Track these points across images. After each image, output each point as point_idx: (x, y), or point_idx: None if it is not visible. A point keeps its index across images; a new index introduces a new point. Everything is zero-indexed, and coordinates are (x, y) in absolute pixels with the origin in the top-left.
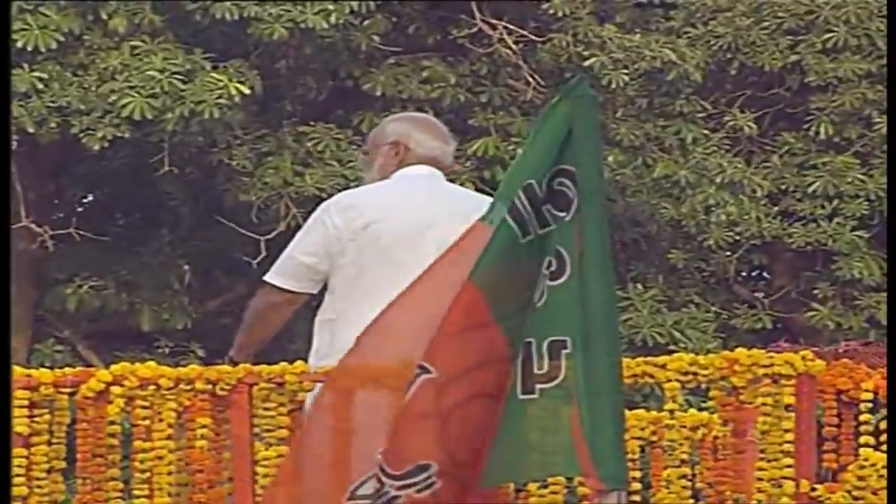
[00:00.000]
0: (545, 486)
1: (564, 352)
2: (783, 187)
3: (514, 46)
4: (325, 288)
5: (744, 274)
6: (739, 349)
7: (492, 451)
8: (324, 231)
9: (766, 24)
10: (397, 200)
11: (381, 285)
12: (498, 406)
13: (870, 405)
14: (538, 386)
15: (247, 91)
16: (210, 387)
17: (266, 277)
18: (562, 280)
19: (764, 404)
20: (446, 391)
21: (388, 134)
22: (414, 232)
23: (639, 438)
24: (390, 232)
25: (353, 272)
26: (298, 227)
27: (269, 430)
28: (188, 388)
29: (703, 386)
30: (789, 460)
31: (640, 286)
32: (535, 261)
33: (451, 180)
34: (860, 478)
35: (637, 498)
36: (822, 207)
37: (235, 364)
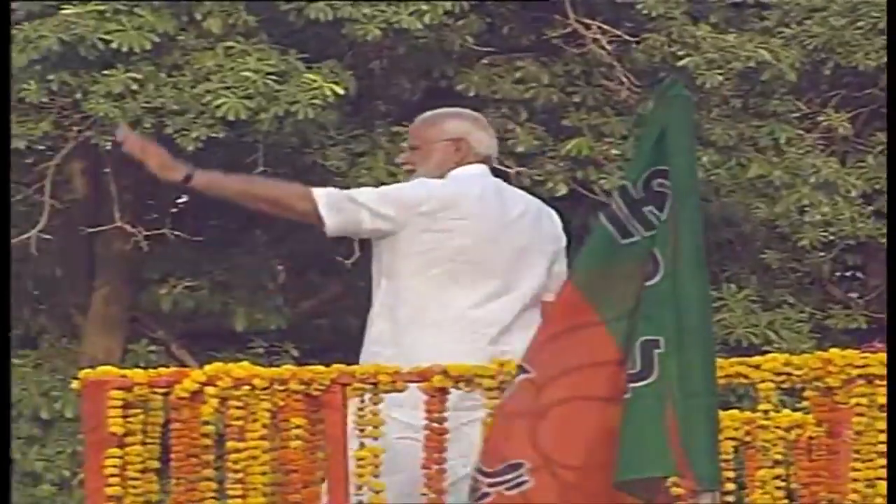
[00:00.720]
0: None
1: (657, 351)
2: (878, 187)
3: (608, 46)
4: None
5: (838, 274)
6: (834, 349)
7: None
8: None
9: (860, 23)
10: (476, 200)
11: (460, 279)
12: (609, 408)
13: None
14: (630, 385)
15: (341, 91)
16: (304, 387)
17: (318, 197)
18: (655, 280)
19: (858, 405)
20: (544, 391)
21: (447, 131)
22: (493, 232)
23: (733, 439)
24: (471, 230)
25: (422, 262)
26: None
27: (362, 430)
28: (282, 388)
29: (798, 386)
30: (883, 461)
31: (734, 286)
32: (638, 262)
33: (547, 180)
34: None
35: (731, 498)
36: None
37: (187, 179)
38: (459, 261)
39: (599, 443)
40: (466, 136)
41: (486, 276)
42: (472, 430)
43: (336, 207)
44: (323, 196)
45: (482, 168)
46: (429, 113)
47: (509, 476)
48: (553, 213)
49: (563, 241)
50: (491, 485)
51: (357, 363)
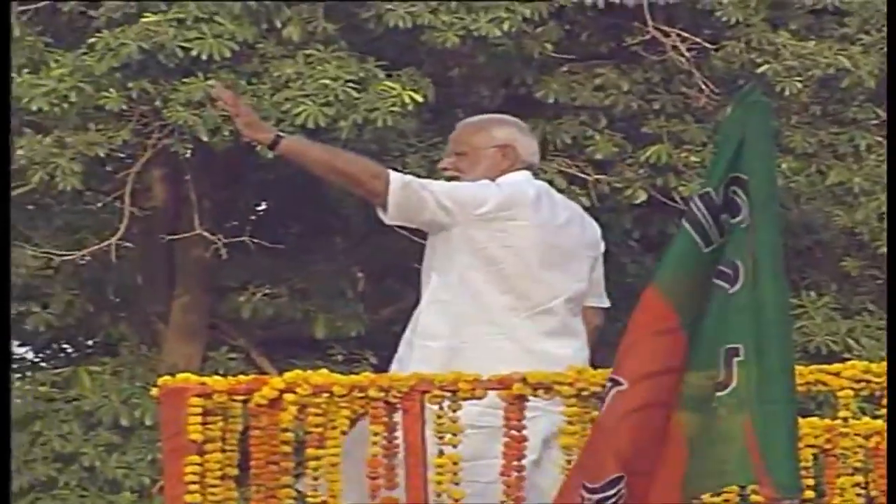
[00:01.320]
0: (718, 494)
1: (737, 359)
2: None
3: (687, 54)
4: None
5: None
6: None
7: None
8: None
9: None
10: (531, 204)
11: (512, 280)
12: (673, 414)
13: None
14: (716, 394)
15: (420, 99)
16: (383, 394)
17: (393, 179)
18: (737, 287)
19: None
20: (628, 397)
21: (496, 137)
22: (545, 236)
23: (812, 446)
24: (526, 234)
25: (476, 260)
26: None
27: (441, 437)
28: (361, 395)
29: (877, 394)
30: None
31: (813, 294)
32: (713, 268)
33: (626, 187)
34: None
35: None
36: None
37: (275, 144)
38: (512, 262)
39: (665, 449)
40: (514, 142)
41: (536, 280)
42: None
43: (409, 191)
44: (398, 178)
45: (527, 174)
46: (473, 119)
47: (612, 491)
48: (592, 220)
49: (602, 247)
50: (598, 501)
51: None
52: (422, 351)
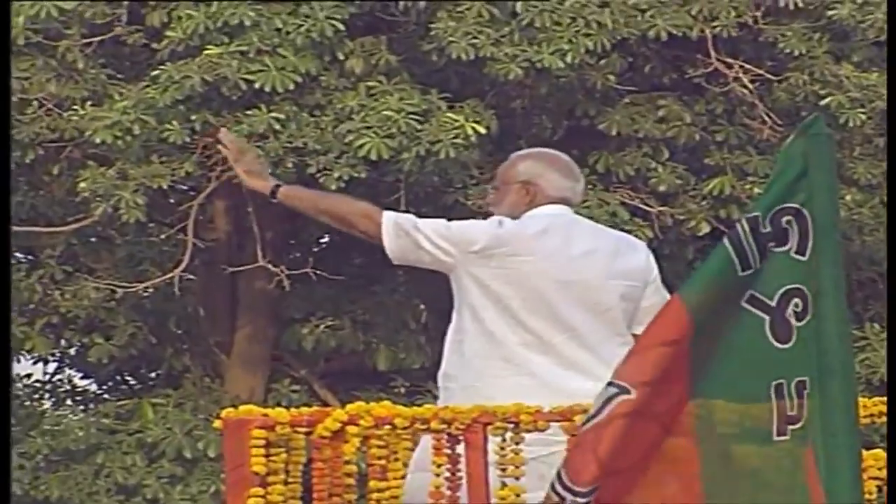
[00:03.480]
0: None
1: (806, 392)
2: None
3: (750, 85)
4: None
5: None
6: None
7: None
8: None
9: None
10: (532, 238)
11: (518, 315)
12: (659, 430)
13: None
14: (789, 427)
15: (482, 131)
16: (445, 426)
17: (385, 220)
18: (807, 320)
19: None
20: (629, 404)
21: (520, 173)
22: (551, 270)
23: (876, 479)
24: (527, 269)
25: (481, 298)
26: None
27: (504, 469)
28: (424, 427)
29: None
30: None
31: (877, 325)
32: (742, 292)
33: (689, 219)
34: None
35: None
36: None
37: (274, 193)
38: (518, 298)
39: (647, 463)
40: (537, 178)
41: (546, 314)
42: (541, 465)
43: (398, 232)
44: (389, 219)
45: (557, 208)
46: (514, 154)
47: (591, 498)
48: (640, 246)
49: (651, 274)
50: None
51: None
52: (444, 393)
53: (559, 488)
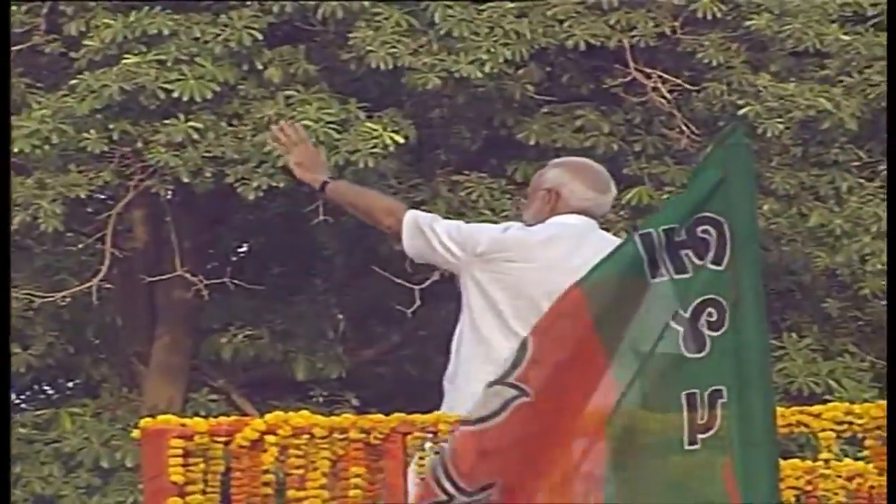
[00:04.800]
0: None
1: (720, 401)
2: None
3: (667, 95)
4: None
5: None
6: None
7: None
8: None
9: None
10: (535, 245)
11: (511, 321)
12: (568, 440)
13: None
14: (699, 436)
15: (401, 140)
16: (364, 436)
17: (406, 218)
18: (723, 330)
19: None
20: (541, 417)
21: (546, 180)
22: (548, 278)
23: (794, 488)
24: (524, 275)
25: (479, 301)
26: (453, 276)
27: (422, 479)
28: (342, 437)
29: (859, 435)
30: None
31: (794, 335)
32: (665, 305)
33: (607, 229)
34: None
35: None
36: None
37: (323, 188)
38: (510, 305)
39: (549, 467)
40: (560, 187)
41: (533, 324)
42: None
43: (414, 232)
44: (410, 218)
45: (575, 218)
46: (552, 160)
47: (482, 495)
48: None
49: None
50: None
51: (417, 411)
52: (446, 395)
53: (447, 485)
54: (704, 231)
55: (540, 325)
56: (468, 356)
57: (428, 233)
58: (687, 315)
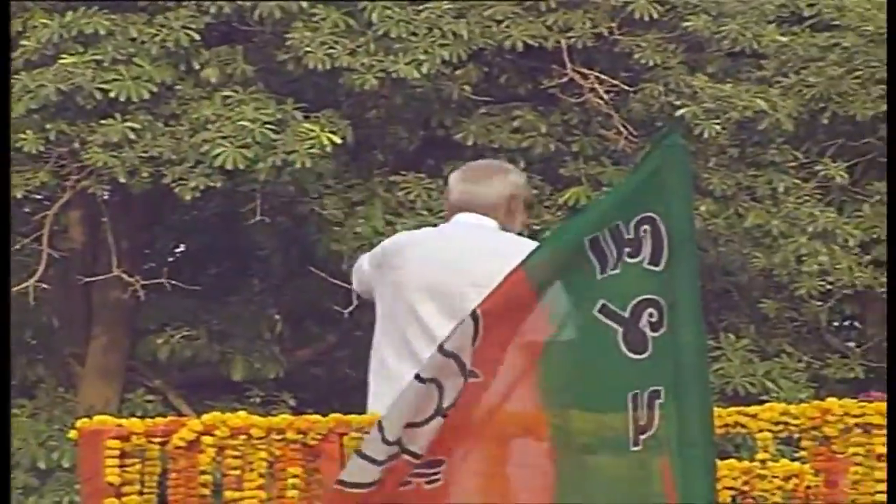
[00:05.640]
0: None
1: (658, 402)
2: (875, 236)
3: (605, 96)
4: None
5: (836, 324)
6: (831, 399)
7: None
8: (371, 258)
9: (857, 73)
10: (418, 249)
11: (391, 329)
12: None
13: None
14: (640, 437)
15: (338, 141)
16: (301, 436)
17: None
18: (662, 331)
19: (856, 454)
20: (486, 399)
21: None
22: (424, 278)
23: (731, 489)
24: (403, 278)
25: (382, 310)
26: None
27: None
28: (279, 437)
29: (795, 436)
30: None
31: (731, 336)
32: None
33: (545, 229)
34: None
35: None
36: None
37: None
38: (391, 306)
39: (492, 466)
40: (450, 188)
41: (414, 323)
42: None
43: (356, 269)
44: (356, 263)
45: (458, 215)
46: None
47: (430, 471)
48: (508, 252)
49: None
50: (415, 475)
51: (354, 412)
52: None
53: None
54: (641, 230)
55: (486, 306)
56: (373, 366)
57: (358, 265)
58: (626, 315)
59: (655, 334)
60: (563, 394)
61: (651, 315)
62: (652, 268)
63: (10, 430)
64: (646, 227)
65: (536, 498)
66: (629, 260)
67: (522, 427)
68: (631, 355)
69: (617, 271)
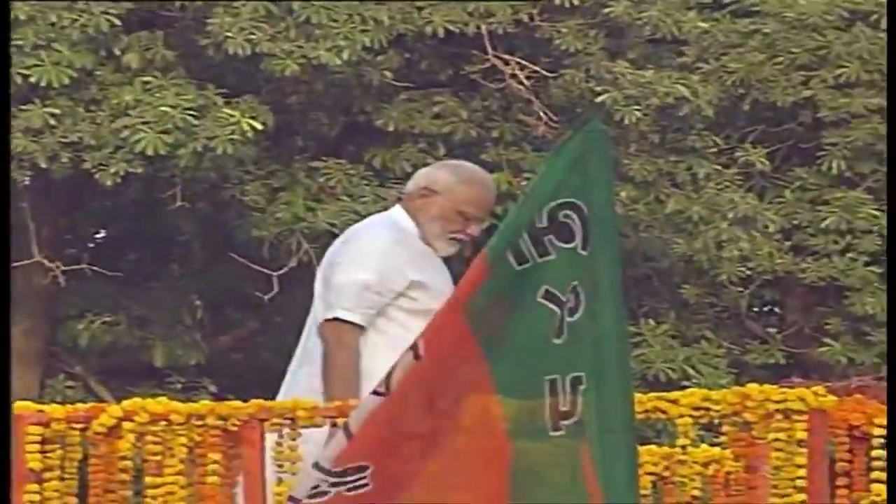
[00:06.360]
0: None
1: (581, 388)
2: (796, 222)
3: (526, 82)
4: None
5: (756, 309)
6: (751, 384)
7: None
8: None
9: (778, 59)
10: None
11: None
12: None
13: (882, 440)
14: (562, 423)
15: (259, 126)
16: (221, 422)
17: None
18: (578, 315)
19: (776, 440)
20: (410, 413)
21: None
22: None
23: (651, 474)
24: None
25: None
26: (311, 262)
27: (280, 465)
28: (199, 423)
29: (716, 421)
30: (802, 496)
31: (652, 321)
32: (528, 287)
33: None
34: None
35: None
36: (835, 243)
37: None
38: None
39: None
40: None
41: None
42: None
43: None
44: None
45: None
46: None
47: (352, 478)
48: (343, 238)
49: (326, 260)
50: (333, 484)
51: (275, 398)
52: None
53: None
54: (567, 216)
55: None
56: None
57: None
58: (564, 299)
59: (571, 319)
60: (505, 381)
61: (568, 300)
62: (583, 253)
63: (10, 429)
64: (568, 212)
65: (494, 487)
66: (562, 245)
67: (479, 416)
68: (553, 340)
69: (552, 257)
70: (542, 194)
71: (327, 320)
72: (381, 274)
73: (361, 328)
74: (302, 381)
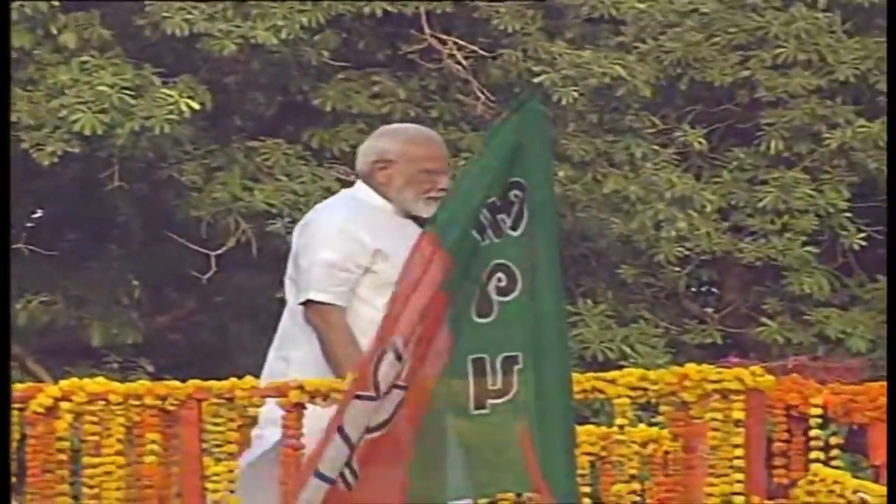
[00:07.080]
0: (494, 503)
1: (516, 367)
2: (733, 203)
3: (464, 62)
4: None
5: (693, 289)
6: (689, 364)
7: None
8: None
9: (716, 39)
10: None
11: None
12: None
13: (819, 420)
14: (490, 401)
15: (196, 106)
16: (159, 402)
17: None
18: (513, 296)
19: (713, 420)
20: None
21: None
22: None
23: (589, 454)
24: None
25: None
26: (248, 242)
27: (218, 446)
28: (137, 403)
29: (653, 401)
30: (739, 476)
31: (589, 301)
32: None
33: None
34: (810, 493)
35: None
36: (772, 223)
37: None
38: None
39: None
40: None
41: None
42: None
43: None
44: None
45: None
46: None
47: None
48: (303, 222)
49: (294, 243)
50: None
51: (213, 378)
52: None
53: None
54: (515, 196)
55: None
56: None
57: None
58: (484, 279)
59: (504, 299)
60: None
61: (500, 280)
62: (511, 233)
63: (10, 429)
64: (515, 191)
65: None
66: (513, 232)
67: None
68: (477, 319)
69: (500, 240)
70: (493, 178)
71: (304, 305)
72: (344, 250)
73: (342, 307)
74: (272, 364)
